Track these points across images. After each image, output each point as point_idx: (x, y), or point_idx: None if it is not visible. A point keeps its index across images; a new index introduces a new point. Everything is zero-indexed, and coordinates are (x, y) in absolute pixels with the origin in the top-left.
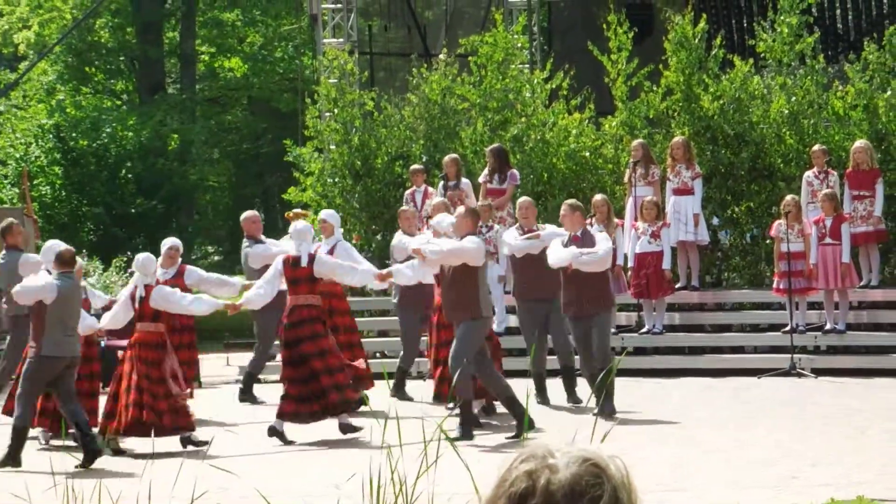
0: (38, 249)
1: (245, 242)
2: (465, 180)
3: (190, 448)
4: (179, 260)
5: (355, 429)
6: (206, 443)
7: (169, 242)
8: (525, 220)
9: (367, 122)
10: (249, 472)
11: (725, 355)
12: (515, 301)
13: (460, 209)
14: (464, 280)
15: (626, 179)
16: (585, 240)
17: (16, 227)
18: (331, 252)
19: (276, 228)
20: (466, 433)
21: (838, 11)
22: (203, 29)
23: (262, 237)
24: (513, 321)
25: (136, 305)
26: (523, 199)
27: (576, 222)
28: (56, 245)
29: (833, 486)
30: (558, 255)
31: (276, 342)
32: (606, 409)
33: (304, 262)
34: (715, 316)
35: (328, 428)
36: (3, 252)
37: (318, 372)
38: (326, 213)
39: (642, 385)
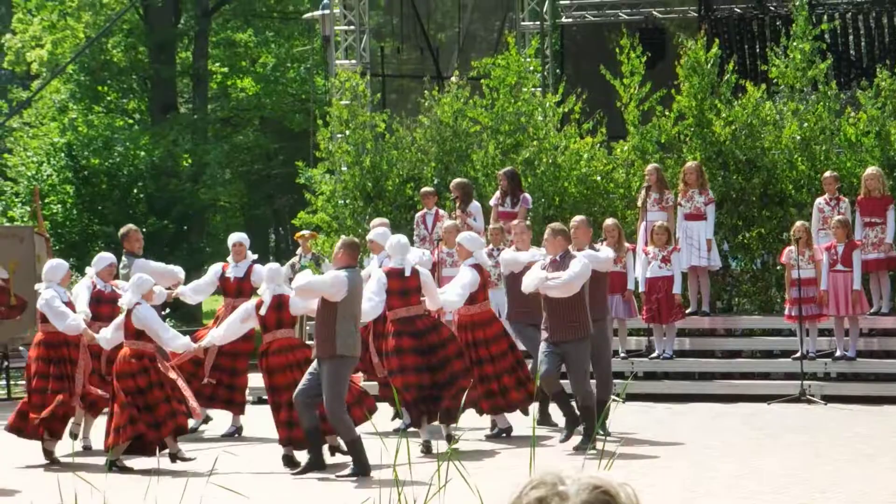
0: None
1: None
2: (475, 203)
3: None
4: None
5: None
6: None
7: (109, 259)
8: (575, 240)
9: (379, 144)
10: (257, 493)
11: (735, 381)
12: None
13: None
14: (323, 316)
15: (639, 204)
16: (563, 264)
17: (133, 234)
18: (247, 274)
19: (287, 250)
20: (362, 470)
21: (851, 38)
22: (216, 49)
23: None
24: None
25: (271, 315)
26: (578, 218)
27: (557, 246)
28: (61, 264)
29: None
30: (527, 279)
31: None
32: (584, 444)
33: (408, 272)
34: (725, 342)
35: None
36: (124, 259)
37: (458, 373)
38: (239, 236)
39: (652, 410)
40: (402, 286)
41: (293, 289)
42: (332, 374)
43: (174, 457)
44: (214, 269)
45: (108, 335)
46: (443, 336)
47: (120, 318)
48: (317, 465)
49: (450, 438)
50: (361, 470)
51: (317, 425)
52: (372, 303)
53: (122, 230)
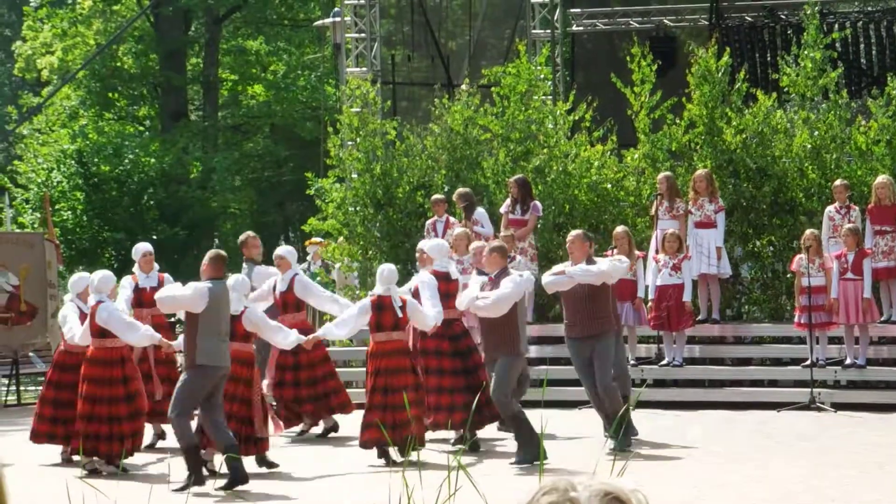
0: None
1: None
2: (479, 210)
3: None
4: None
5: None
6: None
7: (87, 280)
8: (571, 255)
9: (389, 152)
10: (264, 497)
11: (745, 389)
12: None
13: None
14: (187, 327)
15: (651, 212)
16: (497, 283)
17: (251, 241)
18: (160, 283)
19: (298, 256)
20: (198, 479)
21: (862, 46)
22: (226, 56)
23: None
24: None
25: (391, 316)
26: (573, 233)
27: (493, 263)
28: (108, 276)
29: None
30: (460, 297)
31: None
32: (521, 460)
33: (454, 276)
34: (735, 349)
35: (346, 452)
36: (244, 266)
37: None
38: (146, 246)
39: (661, 417)
40: (446, 290)
41: (156, 299)
42: (186, 382)
43: (204, 464)
44: (129, 283)
45: None
46: (471, 343)
47: None
48: (198, 481)
49: (473, 444)
50: (196, 480)
51: (196, 443)
52: (437, 309)
53: (241, 237)
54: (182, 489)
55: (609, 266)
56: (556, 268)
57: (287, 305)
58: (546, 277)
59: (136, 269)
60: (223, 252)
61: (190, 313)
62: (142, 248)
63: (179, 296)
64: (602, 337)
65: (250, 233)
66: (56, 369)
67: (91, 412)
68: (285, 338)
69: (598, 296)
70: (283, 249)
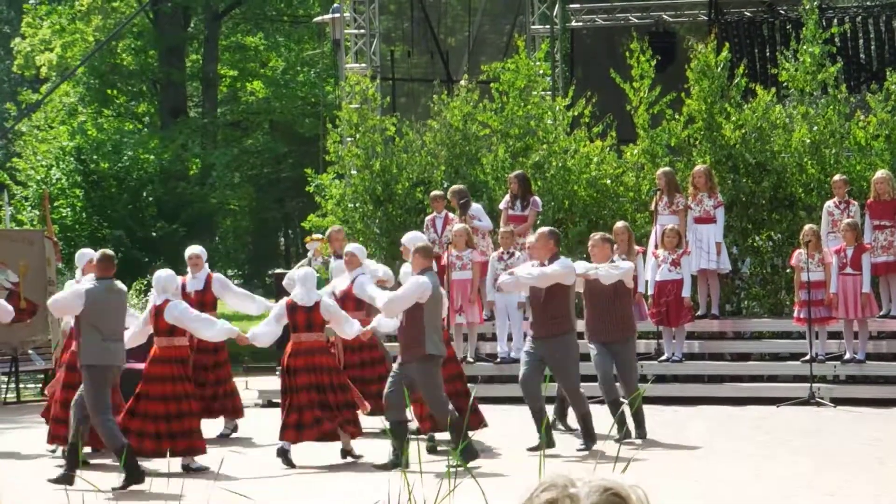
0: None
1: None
2: (475, 205)
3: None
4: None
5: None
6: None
7: (165, 273)
8: (536, 251)
9: (389, 148)
10: (263, 495)
11: (745, 384)
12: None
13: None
14: (75, 328)
15: (651, 208)
16: None
17: (334, 234)
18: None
19: (297, 253)
20: (136, 478)
21: (861, 41)
22: (226, 53)
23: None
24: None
25: None
26: (540, 230)
27: (415, 264)
28: (173, 275)
29: None
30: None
31: None
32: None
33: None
34: (734, 344)
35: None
36: (332, 260)
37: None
38: (87, 253)
39: (661, 413)
40: None
41: (47, 304)
42: (86, 383)
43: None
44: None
45: (265, 329)
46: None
47: (276, 312)
48: (137, 479)
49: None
50: (135, 479)
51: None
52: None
53: (327, 232)
54: (122, 488)
55: (554, 270)
56: (520, 269)
57: (204, 305)
58: (501, 277)
59: (78, 275)
60: (110, 251)
61: (76, 317)
62: (87, 254)
63: (59, 298)
64: (559, 339)
65: (335, 226)
66: (69, 370)
67: (145, 410)
68: (351, 328)
69: (554, 298)
70: (197, 248)
